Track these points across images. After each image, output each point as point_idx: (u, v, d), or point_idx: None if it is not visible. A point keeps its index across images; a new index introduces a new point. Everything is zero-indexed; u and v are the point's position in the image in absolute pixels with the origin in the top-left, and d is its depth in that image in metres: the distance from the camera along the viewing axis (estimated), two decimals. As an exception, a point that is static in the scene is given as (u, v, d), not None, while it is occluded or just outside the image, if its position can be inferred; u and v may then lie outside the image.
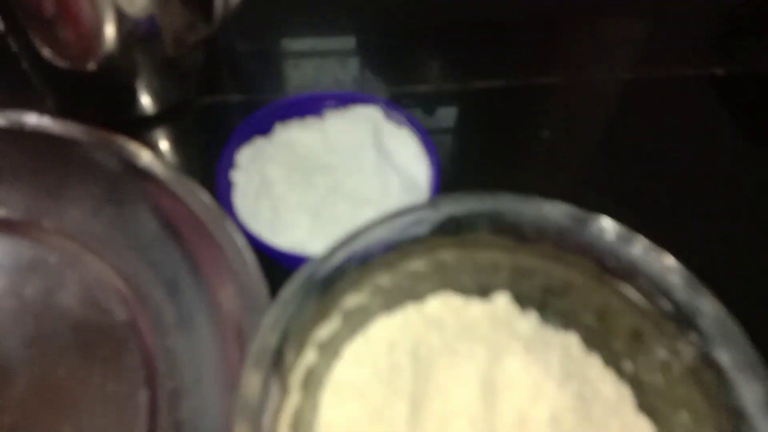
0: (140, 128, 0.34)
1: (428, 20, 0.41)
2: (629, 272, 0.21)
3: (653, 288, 0.20)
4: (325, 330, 0.21)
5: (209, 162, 0.29)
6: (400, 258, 0.22)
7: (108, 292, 0.27)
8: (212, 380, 0.24)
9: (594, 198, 0.24)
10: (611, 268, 0.21)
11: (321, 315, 0.21)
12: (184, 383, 0.24)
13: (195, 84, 0.35)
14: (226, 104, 0.36)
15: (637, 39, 0.41)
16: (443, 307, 0.24)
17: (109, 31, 0.30)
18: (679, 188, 0.33)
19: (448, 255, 0.23)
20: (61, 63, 0.31)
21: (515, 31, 0.41)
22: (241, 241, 0.26)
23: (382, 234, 0.22)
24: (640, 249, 0.21)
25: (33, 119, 0.29)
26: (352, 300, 0.22)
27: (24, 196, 0.29)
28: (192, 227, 0.27)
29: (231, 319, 0.24)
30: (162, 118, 0.34)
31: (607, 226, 0.21)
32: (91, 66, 0.31)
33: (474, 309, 0.24)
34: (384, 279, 0.22)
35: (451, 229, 0.22)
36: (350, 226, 0.25)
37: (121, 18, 0.30)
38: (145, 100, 0.34)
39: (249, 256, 0.25)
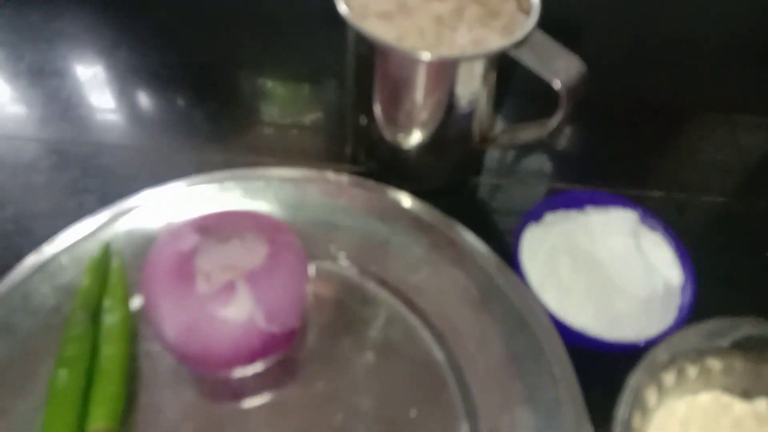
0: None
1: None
2: None
3: None
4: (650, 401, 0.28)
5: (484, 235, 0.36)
6: (699, 357, 0.29)
7: (426, 334, 0.34)
8: (524, 423, 0.30)
9: None
10: None
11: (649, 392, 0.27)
12: (501, 424, 0.31)
13: (474, 167, 0.43)
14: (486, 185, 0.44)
15: None
16: (714, 402, 0.30)
17: (435, 123, 0.37)
18: None
19: (735, 363, 0.29)
20: (387, 138, 0.39)
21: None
22: (546, 321, 0.33)
23: (693, 342, 0.28)
24: None
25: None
26: (668, 380, 0.28)
27: (356, 246, 0.37)
28: (500, 300, 0.34)
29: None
30: (443, 192, 0.42)
31: None
32: (407, 145, 0.39)
33: (738, 407, 0.30)
34: (688, 371, 0.29)
35: (744, 344, 0.29)
36: (628, 317, 0.32)
37: (448, 114, 0.37)
38: (437, 177, 0.41)
39: (554, 334, 0.32)
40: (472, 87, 0.35)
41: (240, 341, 0.29)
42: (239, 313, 0.29)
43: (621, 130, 0.49)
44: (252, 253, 0.31)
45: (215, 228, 0.31)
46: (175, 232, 0.31)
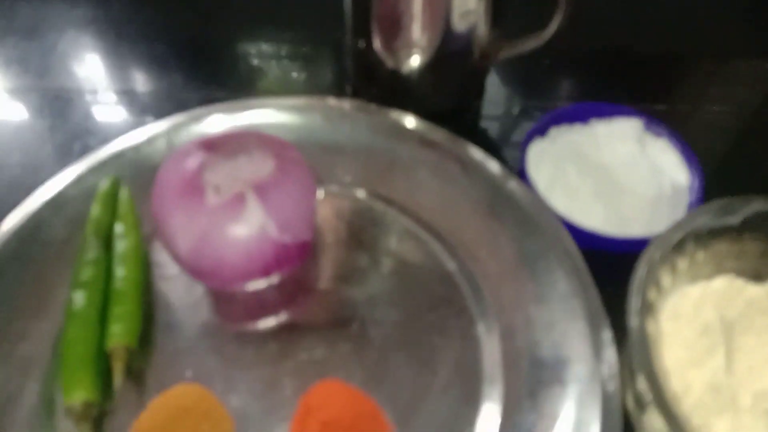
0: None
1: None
2: None
3: None
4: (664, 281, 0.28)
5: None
6: (710, 239, 0.29)
7: (437, 247, 0.34)
8: (539, 319, 0.31)
9: None
10: None
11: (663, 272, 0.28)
12: (515, 321, 0.31)
13: (476, 89, 0.43)
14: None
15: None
16: (727, 285, 0.30)
17: (434, 41, 0.37)
18: None
19: (746, 245, 0.29)
20: (387, 61, 0.39)
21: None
22: (557, 222, 0.33)
23: (705, 219, 0.28)
24: None
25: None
26: (681, 264, 0.28)
27: (362, 168, 0.37)
28: (509, 207, 0.34)
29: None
30: (446, 116, 0.42)
31: None
32: (408, 67, 0.39)
33: (751, 290, 0.30)
34: (699, 255, 0.29)
35: (755, 222, 0.29)
36: (637, 217, 0.32)
37: (447, 32, 0.37)
38: (439, 99, 0.41)
39: (564, 233, 0.32)
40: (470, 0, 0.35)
41: (253, 252, 0.30)
42: (251, 223, 0.29)
43: (620, 51, 0.48)
44: (259, 166, 0.31)
45: (221, 145, 0.31)
46: (181, 151, 0.31)
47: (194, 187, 0.29)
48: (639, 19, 0.50)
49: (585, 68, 0.47)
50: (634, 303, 0.25)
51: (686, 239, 0.27)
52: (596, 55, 0.47)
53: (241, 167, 0.31)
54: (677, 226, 0.27)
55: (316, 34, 0.49)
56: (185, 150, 0.31)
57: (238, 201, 0.29)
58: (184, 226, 0.29)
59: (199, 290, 0.33)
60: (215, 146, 0.31)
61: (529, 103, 0.44)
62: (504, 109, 0.44)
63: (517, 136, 0.42)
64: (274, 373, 0.30)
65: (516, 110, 0.44)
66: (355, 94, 0.43)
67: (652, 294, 0.26)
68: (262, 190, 0.29)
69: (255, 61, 0.47)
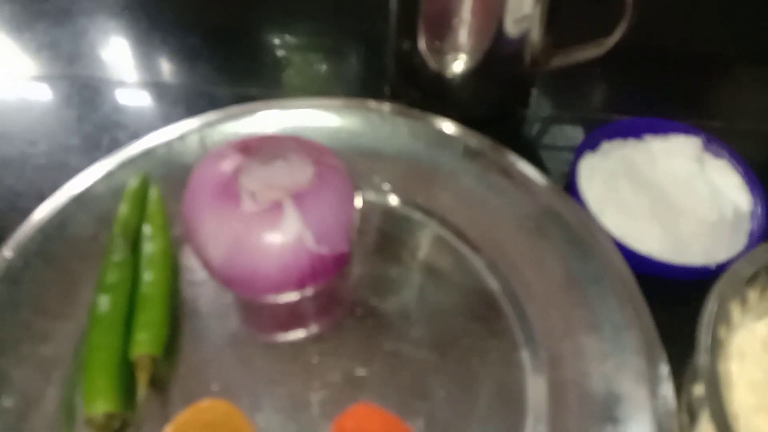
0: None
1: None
2: None
3: None
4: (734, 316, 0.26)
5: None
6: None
7: (479, 263, 0.33)
8: (589, 350, 0.29)
9: None
10: None
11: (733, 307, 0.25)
12: (563, 349, 0.29)
13: (521, 97, 0.41)
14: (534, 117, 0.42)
15: None
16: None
17: (484, 46, 0.35)
18: None
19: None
20: (432, 64, 0.37)
21: None
22: (609, 244, 0.31)
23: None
24: None
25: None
26: (752, 298, 0.26)
27: (401, 176, 0.35)
28: (558, 225, 0.32)
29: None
30: (488, 123, 0.40)
31: None
32: (453, 71, 0.37)
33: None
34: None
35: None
36: (695, 243, 0.30)
37: (498, 37, 0.35)
38: (482, 106, 0.39)
39: (618, 257, 0.30)
40: (524, 3, 0.33)
41: (289, 263, 0.28)
42: (287, 233, 0.27)
43: (674, 63, 0.46)
44: (298, 173, 0.29)
45: (259, 149, 0.30)
46: (216, 153, 0.30)
47: (229, 192, 0.28)
48: (696, 31, 0.48)
49: (636, 79, 0.45)
50: (704, 340, 0.23)
51: (760, 272, 0.25)
52: (648, 65, 0.45)
53: (278, 173, 0.29)
54: (752, 258, 0.25)
55: (357, 32, 0.47)
56: (221, 152, 0.29)
57: (275, 209, 0.27)
58: (217, 233, 0.28)
59: (228, 298, 0.31)
60: (252, 149, 0.29)
61: (576, 115, 0.42)
62: (550, 119, 0.42)
63: (563, 148, 0.40)
64: (303, 391, 0.28)
65: (562, 121, 0.41)
66: (394, 96, 0.41)
67: (722, 331, 0.24)
68: (300, 198, 0.28)
69: (290, 58, 0.45)
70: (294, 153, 0.30)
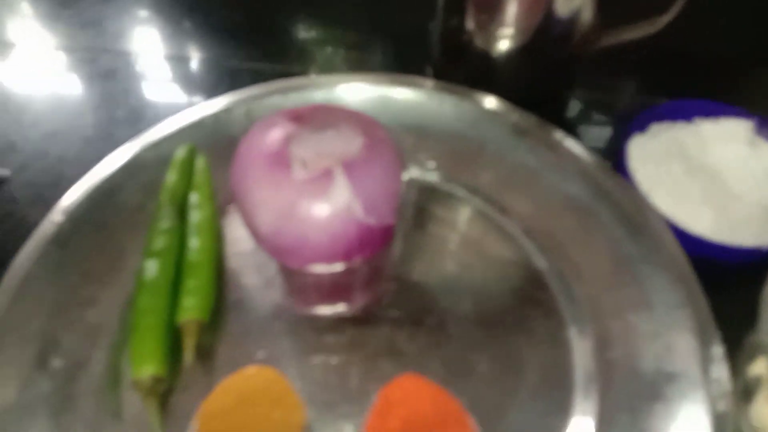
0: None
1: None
2: None
3: None
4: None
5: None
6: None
7: (526, 243, 0.32)
8: (640, 329, 0.28)
9: None
10: None
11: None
12: (612, 328, 0.29)
13: (568, 77, 0.40)
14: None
15: None
16: None
17: (533, 24, 0.35)
18: None
19: None
20: (478, 42, 0.37)
21: None
22: (661, 224, 0.30)
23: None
24: None
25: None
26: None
27: (446, 153, 0.35)
28: (608, 205, 0.31)
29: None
30: (533, 103, 0.39)
31: None
32: (500, 50, 0.37)
33: None
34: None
35: None
36: (748, 225, 0.29)
37: (549, 15, 0.34)
38: (528, 86, 0.39)
39: (670, 236, 0.30)
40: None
41: (337, 232, 0.28)
42: (337, 202, 0.27)
43: (723, 45, 0.45)
44: (348, 143, 0.29)
45: (309, 118, 0.29)
46: (267, 122, 0.30)
47: (280, 159, 0.28)
48: (742, 18, 0.47)
49: (685, 61, 0.44)
50: (766, 320, 0.22)
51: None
52: (697, 47, 0.44)
53: (328, 142, 0.29)
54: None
55: (398, 10, 0.46)
56: (271, 120, 0.29)
57: (325, 177, 0.27)
58: (267, 200, 0.28)
59: (271, 270, 0.31)
60: (302, 118, 0.29)
61: (623, 97, 0.41)
62: (596, 100, 0.41)
63: (608, 130, 0.39)
64: (348, 361, 0.28)
65: (608, 103, 0.41)
66: (437, 76, 0.41)
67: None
68: (350, 167, 0.27)
69: (332, 37, 0.45)
70: (344, 123, 0.29)
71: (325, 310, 0.30)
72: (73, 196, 0.31)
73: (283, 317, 0.30)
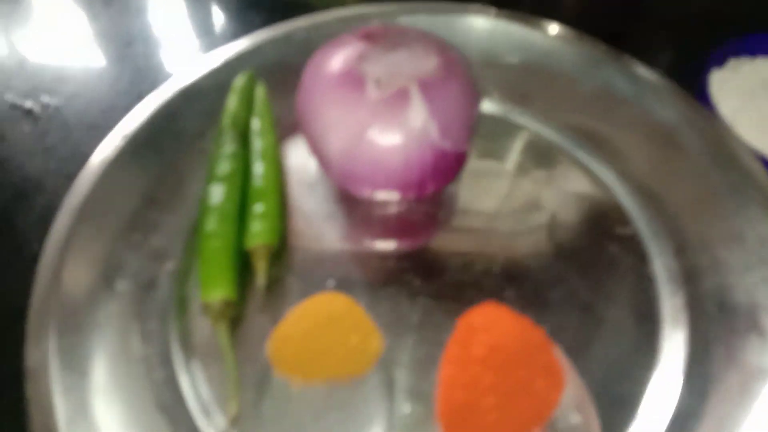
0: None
1: None
2: None
3: None
4: None
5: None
6: None
7: (607, 176, 0.31)
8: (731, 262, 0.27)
9: None
10: None
11: None
12: (700, 262, 0.27)
13: (635, 10, 0.38)
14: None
15: None
16: None
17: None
18: None
19: None
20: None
21: None
22: (748, 155, 0.28)
23: None
24: None
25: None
26: None
27: (518, 85, 0.33)
28: (693, 137, 0.30)
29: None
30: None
31: None
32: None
33: None
34: None
35: None
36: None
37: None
38: (594, 18, 0.37)
39: (761, 171, 0.28)
40: None
41: (411, 156, 0.26)
42: (412, 123, 0.26)
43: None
44: (422, 62, 0.27)
45: (381, 36, 0.28)
46: (336, 42, 0.28)
47: (353, 78, 0.26)
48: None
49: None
50: None
51: None
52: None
53: (402, 61, 0.27)
54: None
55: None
56: (341, 40, 0.28)
57: (401, 96, 0.26)
58: (339, 121, 0.26)
59: (333, 202, 0.30)
60: (374, 37, 0.28)
61: (691, 31, 0.39)
62: (665, 37, 0.39)
63: (680, 65, 0.37)
64: (421, 292, 0.27)
65: (677, 37, 0.39)
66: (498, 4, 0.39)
67: None
68: (426, 87, 0.26)
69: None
70: (417, 42, 0.28)
71: (393, 243, 0.29)
72: (131, 121, 0.30)
73: (350, 248, 0.29)
